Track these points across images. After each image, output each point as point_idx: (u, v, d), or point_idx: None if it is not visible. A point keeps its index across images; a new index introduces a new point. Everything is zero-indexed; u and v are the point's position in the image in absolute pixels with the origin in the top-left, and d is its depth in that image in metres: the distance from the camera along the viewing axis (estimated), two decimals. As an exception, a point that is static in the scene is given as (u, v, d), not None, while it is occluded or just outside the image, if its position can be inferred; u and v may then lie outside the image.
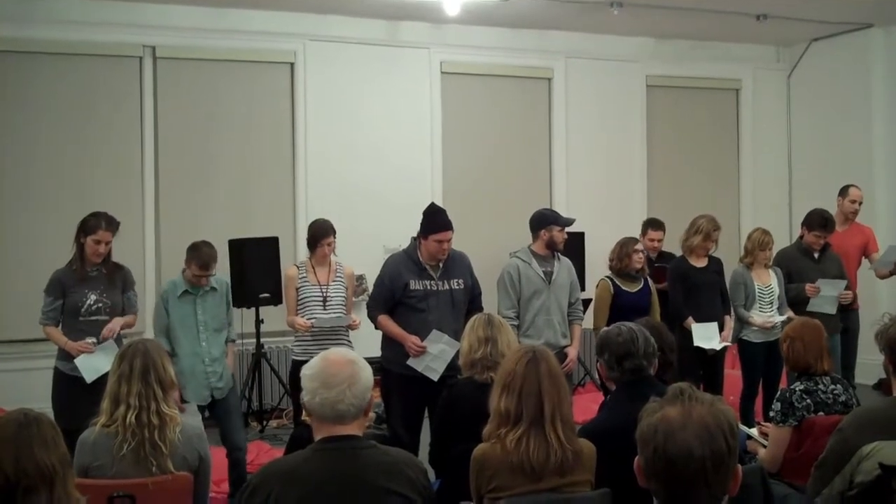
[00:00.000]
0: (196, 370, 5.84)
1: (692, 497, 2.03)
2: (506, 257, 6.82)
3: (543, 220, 6.49)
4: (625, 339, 3.86)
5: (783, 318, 6.93)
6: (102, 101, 8.44)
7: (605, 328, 4.10)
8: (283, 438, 7.49)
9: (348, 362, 3.02)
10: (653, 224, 8.51)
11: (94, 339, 5.75)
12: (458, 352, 5.06)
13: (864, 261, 8.03)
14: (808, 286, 7.21)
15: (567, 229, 6.59)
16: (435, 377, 5.74)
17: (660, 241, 8.39)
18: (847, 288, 7.41)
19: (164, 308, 5.92)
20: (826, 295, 7.23)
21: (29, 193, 8.19)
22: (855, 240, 7.94)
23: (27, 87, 8.20)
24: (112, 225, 5.84)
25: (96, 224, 5.78)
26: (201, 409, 5.73)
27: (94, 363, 5.61)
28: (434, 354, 5.79)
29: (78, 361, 5.67)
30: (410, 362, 5.81)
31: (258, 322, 8.21)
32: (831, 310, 7.24)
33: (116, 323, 5.85)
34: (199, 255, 5.82)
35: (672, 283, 7.23)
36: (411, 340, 5.80)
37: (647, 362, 3.86)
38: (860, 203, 7.97)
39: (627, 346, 3.85)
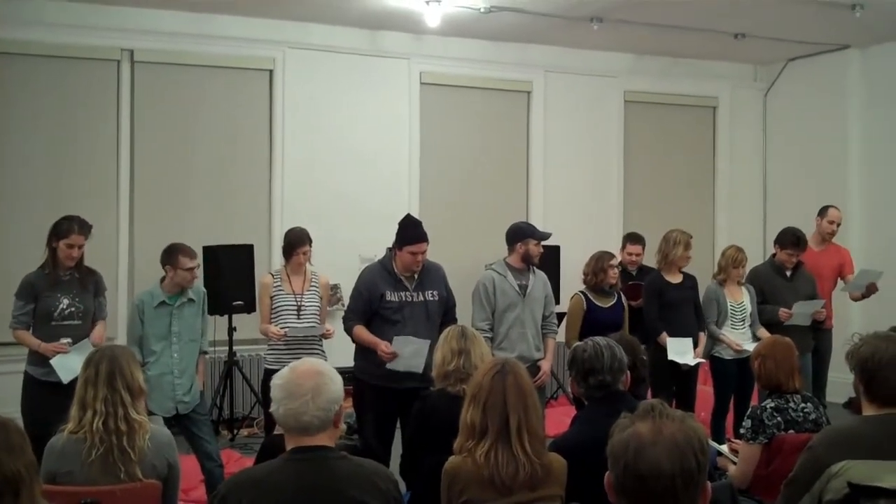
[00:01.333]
0: (163, 382, 5.78)
1: (662, 513, 2.03)
2: (481, 269, 6.83)
3: (520, 234, 6.49)
4: (590, 354, 3.88)
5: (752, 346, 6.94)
6: (79, 104, 8.38)
7: (576, 343, 4.11)
8: (253, 447, 7.45)
9: (315, 373, 3.00)
10: (632, 238, 8.51)
11: (69, 339, 5.70)
12: (431, 363, 5.05)
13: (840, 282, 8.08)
14: (781, 311, 7.24)
15: (543, 243, 6.60)
16: (420, 369, 5.68)
17: (638, 255, 8.38)
18: (822, 307, 7.46)
19: (138, 318, 5.86)
20: (802, 312, 7.27)
21: (1, 196, 8.11)
22: (831, 260, 7.98)
23: (2, 88, 8.13)
24: (84, 229, 5.78)
25: (69, 228, 5.73)
26: (167, 420, 5.66)
27: (69, 364, 5.53)
28: (408, 356, 5.77)
29: (54, 362, 5.62)
30: (390, 366, 5.78)
31: (231, 329, 8.18)
32: (805, 322, 7.29)
33: (102, 327, 5.88)
34: (182, 249, 5.81)
35: (647, 298, 7.25)
36: (383, 345, 5.78)
37: (612, 378, 3.86)
38: (838, 224, 8.01)
39: (592, 362, 3.86)
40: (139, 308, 5.88)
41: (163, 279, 5.89)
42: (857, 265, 8.17)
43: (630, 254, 8.34)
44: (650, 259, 8.01)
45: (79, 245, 5.77)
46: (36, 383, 5.71)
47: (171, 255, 5.82)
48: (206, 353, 6.20)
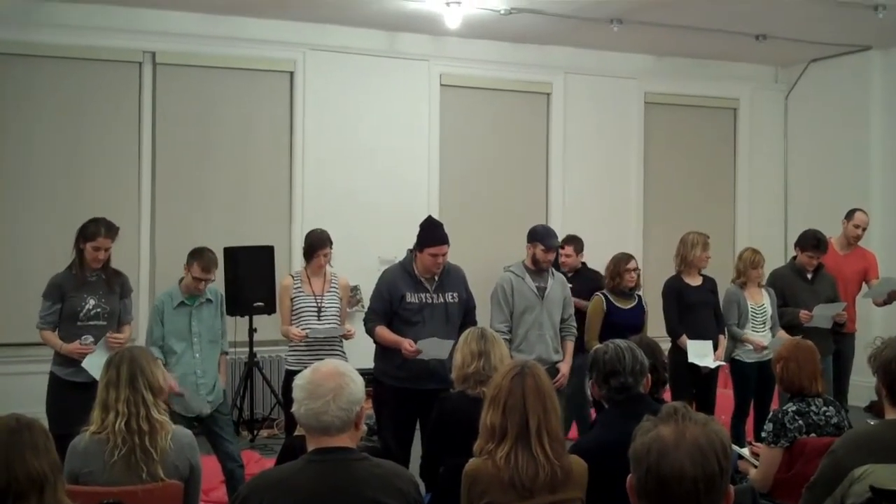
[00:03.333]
0: (186, 382, 5.81)
1: (684, 517, 2.03)
2: (500, 271, 6.82)
3: (531, 236, 6.51)
4: (611, 356, 3.86)
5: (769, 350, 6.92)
6: (101, 106, 8.45)
7: (597, 346, 4.10)
8: (273, 448, 7.47)
9: (337, 374, 3.01)
10: (565, 240, 8.14)
11: (91, 338, 5.74)
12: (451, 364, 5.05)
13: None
14: (802, 313, 7.20)
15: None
16: (446, 355, 5.62)
17: (568, 256, 8.11)
18: (844, 310, 7.42)
19: (158, 319, 5.89)
20: (822, 314, 7.23)
21: (25, 197, 8.18)
22: (856, 265, 7.92)
23: (26, 90, 8.21)
24: (112, 231, 5.83)
25: (96, 231, 5.77)
26: (191, 420, 5.71)
27: (99, 362, 5.54)
28: (433, 351, 5.76)
29: (85, 364, 5.65)
30: (421, 356, 5.76)
31: (251, 331, 8.20)
32: (826, 324, 7.25)
33: (126, 330, 5.92)
34: (202, 257, 5.82)
35: (667, 300, 7.22)
36: (407, 343, 5.78)
37: (633, 380, 3.85)
38: (864, 229, 7.94)
39: (613, 364, 3.84)
40: (158, 309, 5.93)
41: (181, 280, 5.93)
42: (879, 264, 8.10)
43: (562, 255, 8.03)
44: (597, 262, 7.84)
45: (105, 248, 5.81)
46: (61, 383, 5.76)
47: (192, 258, 5.86)
48: (226, 353, 6.23)
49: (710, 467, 2.01)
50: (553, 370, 6.12)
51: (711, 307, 7.21)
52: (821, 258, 7.43)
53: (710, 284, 7.27)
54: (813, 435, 4.67)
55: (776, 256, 9.25)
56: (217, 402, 5.94)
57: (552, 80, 10.06)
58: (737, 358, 7.17)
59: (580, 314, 6.96)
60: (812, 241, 7.37)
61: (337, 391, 2.96)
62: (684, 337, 6.98)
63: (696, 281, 7.20)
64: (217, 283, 6.15)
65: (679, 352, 6.92)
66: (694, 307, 7.11)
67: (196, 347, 5.88)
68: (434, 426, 4.62)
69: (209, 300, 5.97)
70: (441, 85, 9.61)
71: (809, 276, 7.45)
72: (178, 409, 5.57)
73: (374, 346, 6.10)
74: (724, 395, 7.53)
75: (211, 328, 5.98)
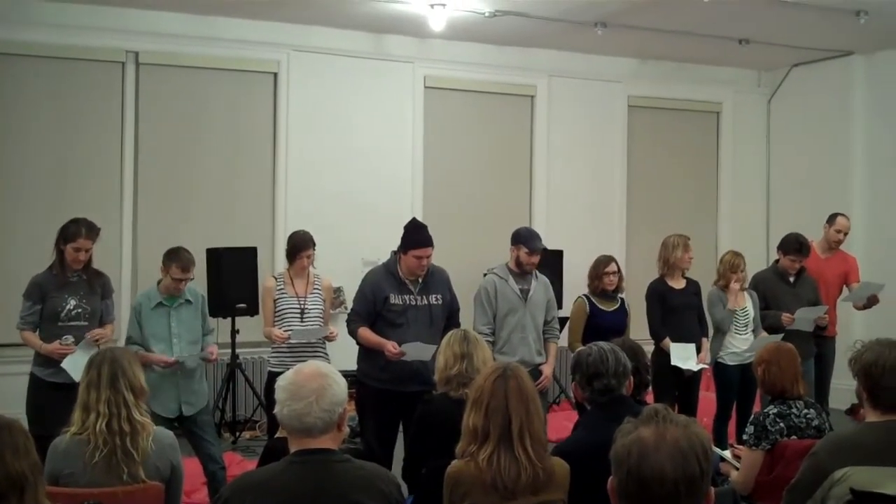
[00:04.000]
0: (167, 382, 5.78)
1: (665, 519, 2.03)
2: (484, 273, 6.83)
3: (516, 238, 6.52)
4: (594, 358, 3.86)
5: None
6: (83, 106, 8.40)
7: (580, 348, 4.10)
8: (255, 450, 7.44)
9: (320, 375, 3.00)
10: None
11: (72, 338, 5.71)
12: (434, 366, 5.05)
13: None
14: (784, 316, 7.23)
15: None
16: (429, 357, 5.62)
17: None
18: (825, 313, 7.46)
19: (136, 320, 5.86)
20: (804, 318, 7.26)
21: (5, 197, 8.13)
22: (837, 268, 7.96)
23: (6, 89, 8.15)
24: (92, 232, 5.80)
25: (76, 231, 5.74)
26: (170, 421, 5.68)
27: (79, 362, 5.51)
28: (415, 353, 5.76)
29: (64, 364, 5.61)
30: (404, 358, 5.76)
31: (234, 332, 8.18)
32: (808, 327, 7.28)
33: (108, 329, 5.91)
34: (179, 257, 5.78)
35: (650, 303, 7.25)
36: (390, 345, 5.77)
37: (616, 382, 3.85)
38: (845, 233, 7.98)
39: (597, 366, 3.84)
40: (136, 310, 5.89)
41: (159, 282, 5.90)
42: (860, 267, 8.14)
43: None
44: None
45: (86, 249, 5.79)
46: (41, 384, 5.73)
47: (169, 258, 5.81)
48: (215, 344, 6.16)
49: (690, 469, 2.02)
50: (535, 372, 6.14)
51: (695, 310, 7.25)
52: (803, 262, 7.47)
53: (693, 287, 7.31)
54: (794, 437, 4.69)
55: (758, 259, 9.28)
56: (199, 404, 5.91)
57: (536, 82, 10.08)
58: (719, 360, 7.20)
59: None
60: (794, 245, 7.40)
61: (320, 392, 2.95)
62: (667, 340, 7.00)
63: (679, 284, 7.24)
64: (200, 284, 6.14)
65: (662, 354, 6.94)
66: (677, 310, 7.15)
67: (176, 349, 5.83)
68: (416, 428, 4.62)
69: (188, 301, 5.93)
70: (425, 87, 9.61)
71: (791, 279, 7.49)
72: (157, 409, 5.54)
73: (356, 347, 6.09)
74: (707, 398, 7.56)
75: (191, 329, 5.94)
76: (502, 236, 6.77)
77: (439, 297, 6.03)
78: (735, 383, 7.16)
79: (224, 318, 8.08)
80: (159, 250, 6.07)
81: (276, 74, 9.07)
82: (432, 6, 8.16)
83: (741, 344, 7.13)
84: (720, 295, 7.24)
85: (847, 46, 9.84)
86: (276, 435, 4.83)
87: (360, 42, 9.27)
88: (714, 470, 4.72)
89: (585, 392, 3.90)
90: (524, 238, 6.49)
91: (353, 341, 6.08)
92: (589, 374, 3.86)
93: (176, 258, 5.78)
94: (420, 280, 5.97)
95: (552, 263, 8.56)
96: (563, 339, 7.09)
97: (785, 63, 10.63)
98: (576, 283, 8.07)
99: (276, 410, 3.00)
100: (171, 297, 5.87)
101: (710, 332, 7.31)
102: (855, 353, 3.65)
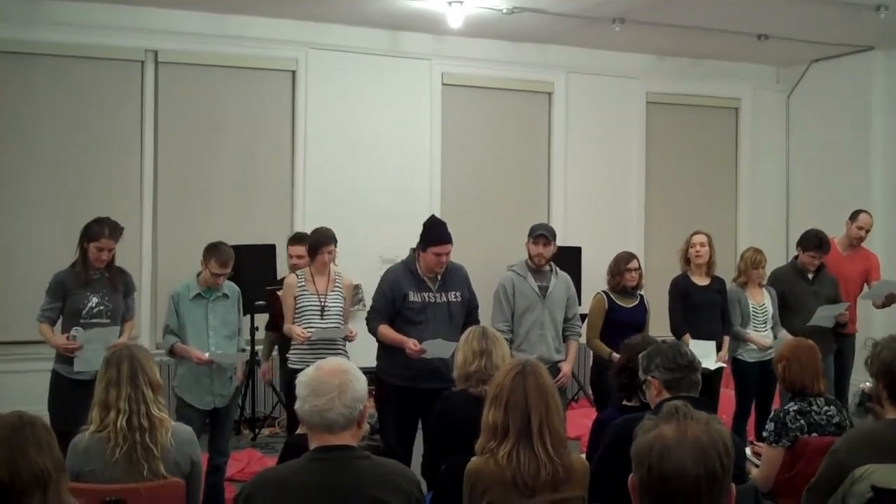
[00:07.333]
0: (200, 374, 5.83)
1: (686, 516, 2.03)
2: (502, 270, 6.82)
3: (530, 232, 6.52)
4: (670, 346, 4.02)
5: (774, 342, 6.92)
6: (103, 105, 8.44)
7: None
8: (275, 447, 7.48)
9: (341, 371, 3.01)
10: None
11: (80, 329, 5.77)
12: (453, 363, 5.05)
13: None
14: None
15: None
16: (449, 354, 5.63)
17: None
18: (845, 310, 7.41)
19: (174, 310, 5.90)
20: (824, 315, 7.22)
21: (27, 195, 8.18)
22: (858, 265, 7.91)
23: (28, 89, 8.20)
24: (115, 232, 5.86)
25: (99, 231, 5.79)
26: (204, 414, 5.75)
27: (91, 359, 5.53)
28: (436, 350, 5.77)
29: (77, 367, 5.68)
30: (424, 356, 5.78)
31: (252, 329, 8.19)
32: (829, 324, 7.24)
33: (129, 327, 6.03)
34: (219, 252, 5.84)
35: (672, 299, 7.21)
36: (411, 343, 5.79)
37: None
38: (867, 231, 7.93)
39: (675, 353, 3.96)
40: (174, 299, 5.93)
41: (199, 274, 5.95)
42: (882, 270, 8.09)
43: None
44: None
45: (109, 248, 5.84)
46: (64, 381, 5.78)
47: (209, 253, 5.87)
48: (243, 350, 6.23)
49: (711, 466, 2.02)
50: (554, 370, 6.13)
51: (718, 307, 7.16)
52: (822, 258, 7.42)
53: (718, 285, 7.23)
54: (814, 434, 4.68)
55: (777, 256, 9.24)
56: (230, 397, 5.99)
57: (554, 79, 10.06)
58: (739, 357, 7.17)
59: None
60: (814, 242, 7.36)
61: (341, 388, 2.97)
62: (687, 336, 6.96)
63: (703, 281, 7.18)
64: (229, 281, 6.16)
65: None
66: (699, 307, 7.09)
67: (212, 341, 5.89)
68: (436, 425, 4.62)
69: (225, 295, 5.99)
70: (443, 84, 9.61)
71: (810, 276, 7.44)
72: (194, 402, 5.62)
73: (375, 344, 6.11)
74: (726, 395, 7.52)
75: (227, 323, 6.01)
76: (520, 233, 6.76)
77: (458, 294, 6.03)
78: (754, 380, 7.13)
79: (243, 315, 8.07)
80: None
81: (293, 72, 9.09)
82: (450, 3, 8.15)
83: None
84: (738, 293, 7.20)
85: (867, 42, 9.78)
86: (296, 432, 4.84)
87: (377, 39, 9.27)
88: (739, 466, 4.71)
89: (665, 375, 3.93)
90: (532, 230, 6.52)
91: (372, 338, 6.09)
92: (679, 364, 3.94)
93: (216, 253, 5.84)
94: (439, 277, 5.97)
95: (570, 260, 8.55)
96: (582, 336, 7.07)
97: (804, 58, 10.57)
98: (594, 279, 8.06)
99: (297, 406, 3.01)
100: (210, 290, 5.91)
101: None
102: (872, 352, 3.65)
